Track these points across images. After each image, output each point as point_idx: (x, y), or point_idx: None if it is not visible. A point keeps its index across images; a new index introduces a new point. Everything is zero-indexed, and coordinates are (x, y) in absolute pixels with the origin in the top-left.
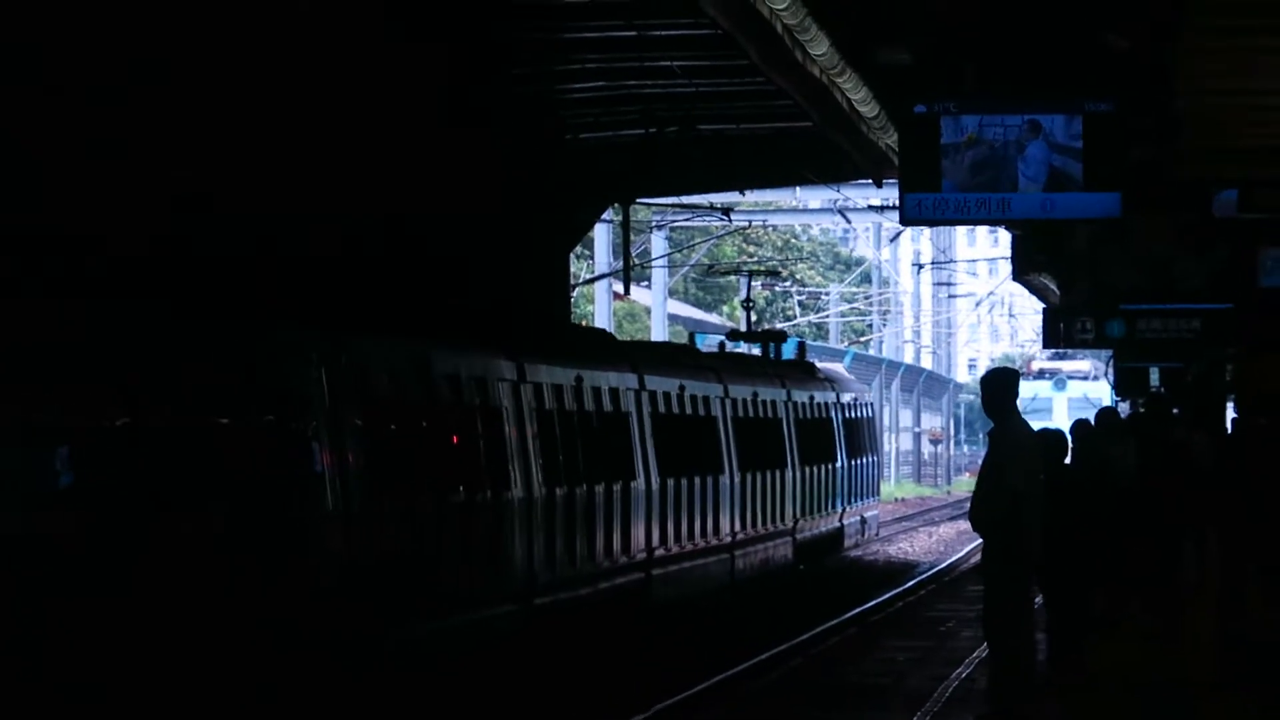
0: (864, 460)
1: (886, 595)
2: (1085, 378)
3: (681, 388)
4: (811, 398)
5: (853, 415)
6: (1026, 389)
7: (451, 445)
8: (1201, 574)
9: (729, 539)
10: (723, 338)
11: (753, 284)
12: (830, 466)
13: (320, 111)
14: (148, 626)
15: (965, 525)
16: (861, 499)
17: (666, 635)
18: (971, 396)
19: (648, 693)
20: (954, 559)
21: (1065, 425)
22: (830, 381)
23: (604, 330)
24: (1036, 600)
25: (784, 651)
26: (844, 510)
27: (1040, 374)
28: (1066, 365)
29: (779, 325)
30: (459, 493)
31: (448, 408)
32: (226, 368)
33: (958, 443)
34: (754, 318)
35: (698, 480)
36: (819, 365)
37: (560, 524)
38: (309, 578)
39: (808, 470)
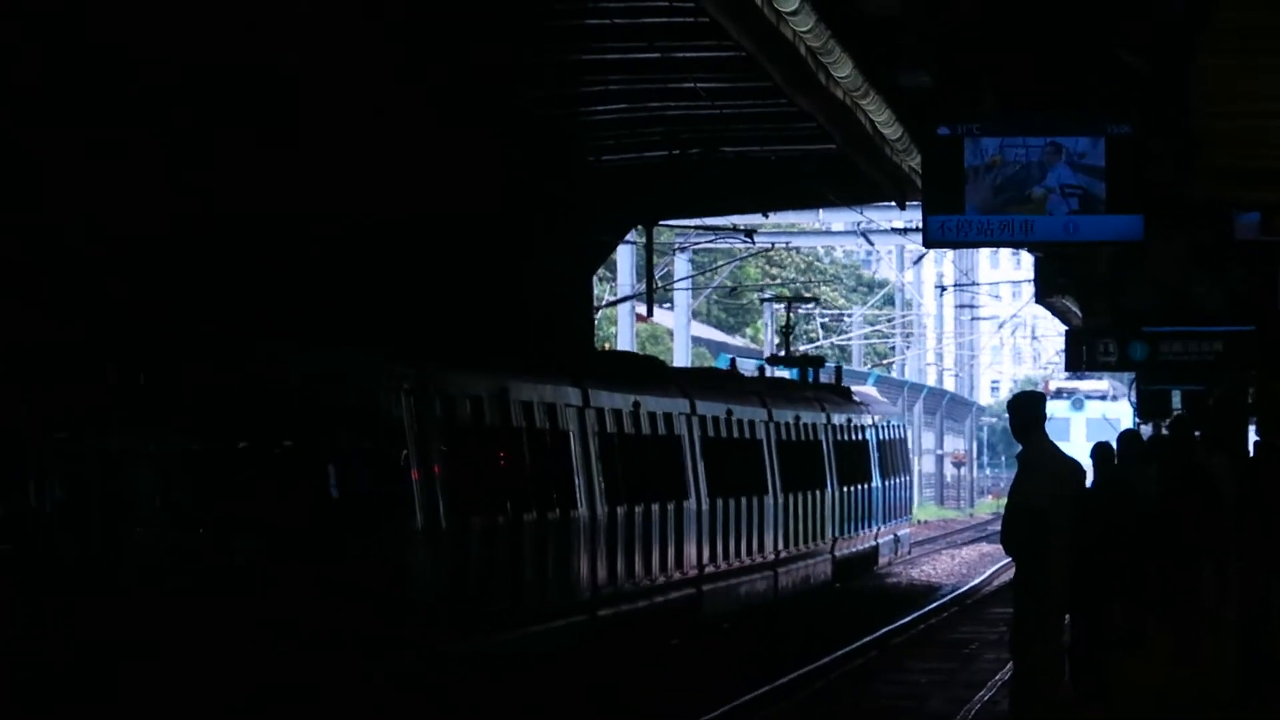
0: (897, 481)
1: (909, 617)
2: (1103, 398)
3: (729, 412)
4: (849, 420)
5: (886, 437)
6: None
7: (527, 466)
8: (1221, 595)
9: (773, 557)
10: (762, 362)
11: (777, 307)
12: (866, 487)
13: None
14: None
15: (988, 548)
16: (895, 518)
17: (715, 647)
18: (994, 419)
19: (697, 702)
20: (977, 581)
21: (1083, 445)
22: (865, 404)
23: (656, 358)
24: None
25: (806, 674)
26: (879, 529)
27: (1058, 394)
28: (1084, 385)
29: (802, 347)
30: (535, 511)
31: (523, 432)
32: (358, 399)
33: (980, 465)
34: (775, 340)
35: (744, 501)
36: (854, 389)
37: (621, 541)
38: (420, 588)
39: (845, 490)
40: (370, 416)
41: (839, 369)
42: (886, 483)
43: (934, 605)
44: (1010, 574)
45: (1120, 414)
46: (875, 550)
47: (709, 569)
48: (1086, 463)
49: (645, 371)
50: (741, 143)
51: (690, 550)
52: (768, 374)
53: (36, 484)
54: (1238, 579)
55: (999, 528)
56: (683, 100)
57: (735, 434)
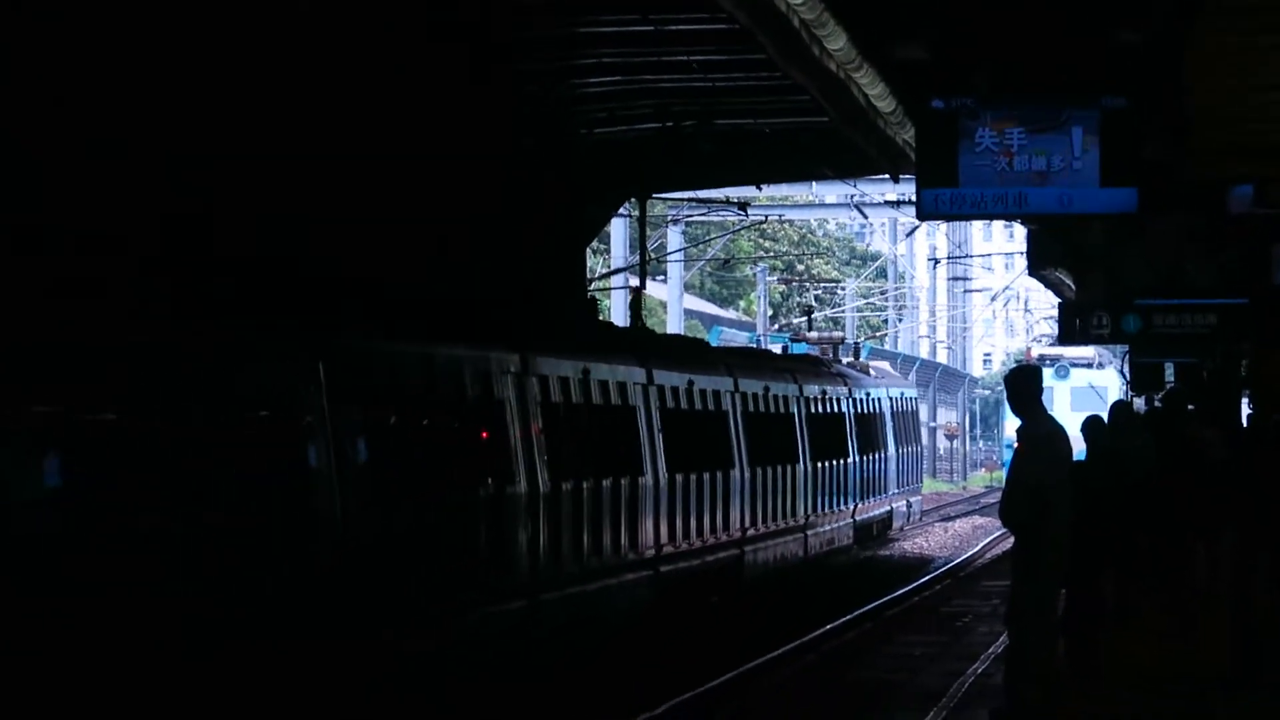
0: (910, 450)
1: (902, 590)
2: (1089, 365)
3: (766, 388)
4: (867, 394)
5: (900, 409)
6: None
7: (606, 438)
8: (1213, 570)
9: (803, 520)
10: (787, 339)
11: (769, 279)
12: (883, 456)
13: (338, 109)
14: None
15: (981, 520)
16: (908, 486)
17: (757, 603)
18: (987, 392)
19: (743, 652)
20: (970, 554)
21: (1068, 414)
22: (882, 379)
23: (704, 340)
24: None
25: (797, 648)
26: (894, 496)
27: (1040, 361)
28: (1069, 351)
29: (795, 320)
30: (611, 477)
31: (601, 408)
32: (472, 386)
33: (973, 438)
34: (770, 312)
35: (780, 469)
36: (871, 364)
37: (679, 505)
38: (527, 540)
39: (865, 459)
40: (491, 398)
41: (857, 346)
42: (900, 452)
43: (927, 578)
44: (1004, 547)
45: (1107, 382)
46: (890, 515)
47: (750, 532)
48: (1074, 434)
49: (693, 351)
50: (735, 115)
51: (735, 514)
52: (790, 350)
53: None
54: (1229, 554)
55: (992, 501)
56: (676, 73)
57: (771, 409)
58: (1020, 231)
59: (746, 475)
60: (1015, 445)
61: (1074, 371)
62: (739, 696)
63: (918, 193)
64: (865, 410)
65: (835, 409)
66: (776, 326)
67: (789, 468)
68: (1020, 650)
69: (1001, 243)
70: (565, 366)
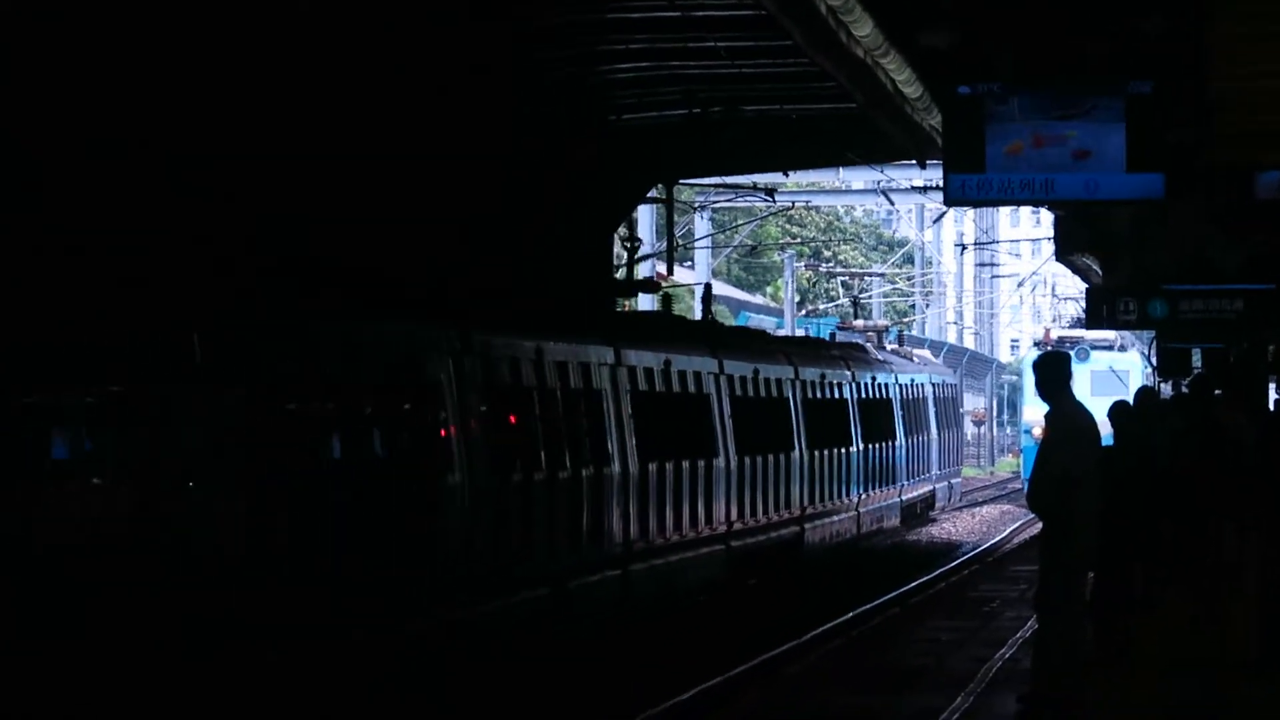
0: (951, 434)
1: (929, 575)
2: (1110, 348)
3: (822, 375)
4: (912, 380)
5: (941, 395)
6: None
7: (684, 422)
8: (1241, 556)
9: (856, 499)
10: (835, 328)
11: (796, 265)
12: (926, 439)
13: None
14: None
15: (1009, 506)
16: (949, 468)
17: (815, 574)
18: (1014, 377)
19: (805, 623)
20: (997, 539)
21: (1088, 399)
22: (925, 365)
23: (764, 331)
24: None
25: (824, 633)
26: (935, 477)
27: (1060, 343)
28: (1090, 334)
29: (822, 306)
30: (689, 458)
31: (680, 395)
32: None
33: (1000, 424)
34: (797, 299)
35: (834, 452)
36: (914, 352)
37: (748, 485)
38: (620, 516)
39: (910, 442)
40: (590, 387)
41: (901, 334)
42: (942, 436)
43: (955, 563)
44: (1031, 533)
45: (1129, 365)
46: (933, 495)
47: (809, 510)
48: (1096, 419)
49: (757, 342)
50: (762, 102)
51: (795, 494)
52: (838, 338)
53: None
54: (1258, 541)
55: (1019, 487)
56: (703, 59)
57: (827, 394)
58: (1047, 217)
59: (805, 457)
60: (1043, 431)
61: (1094, 354)
62: (768, 679)
63: (944, 178)
64: (910, 395)
65: (884, 394)
66: (804, 312)
67: (844, 450)
68: (1048, 635)
69: (1028, 228)
70: (649, 358)
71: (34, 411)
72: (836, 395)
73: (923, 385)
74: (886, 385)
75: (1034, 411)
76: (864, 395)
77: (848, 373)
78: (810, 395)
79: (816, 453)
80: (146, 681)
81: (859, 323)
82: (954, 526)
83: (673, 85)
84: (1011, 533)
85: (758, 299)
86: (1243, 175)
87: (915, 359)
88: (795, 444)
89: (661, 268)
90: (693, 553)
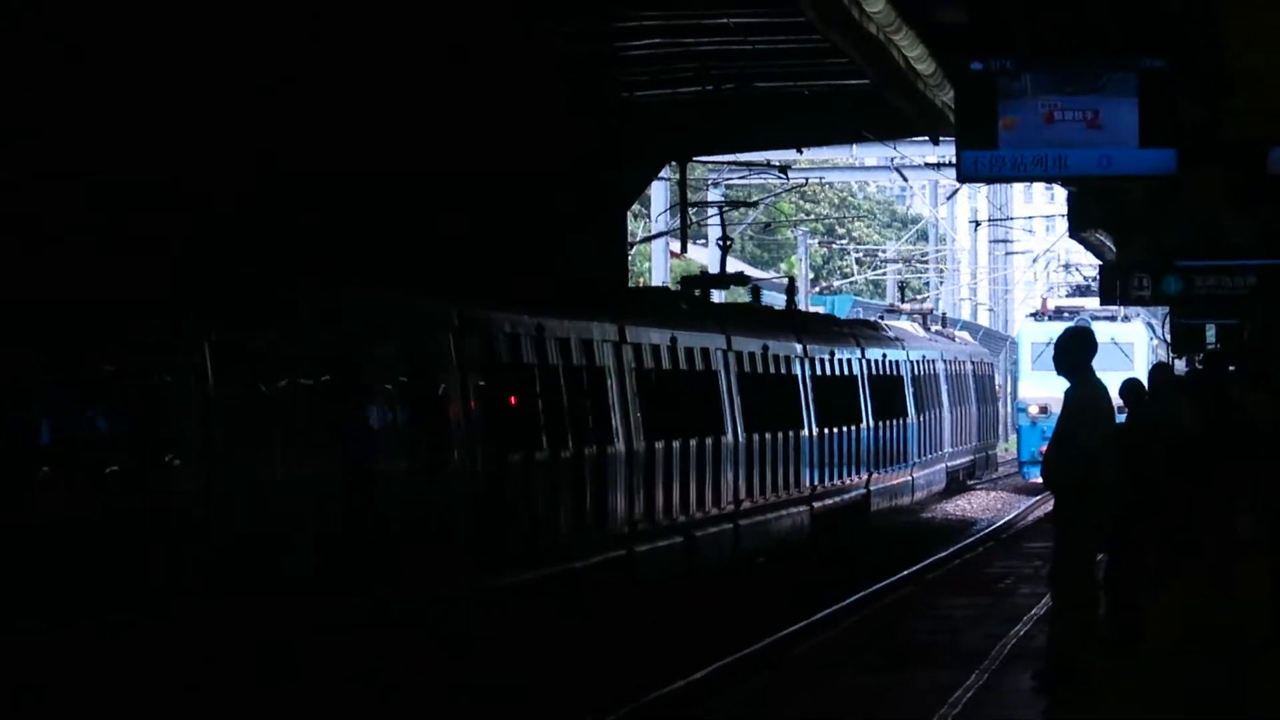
0: (990, 408)
1: (944, 553)
2: (1112, 318)
3: (884, 355)
4: (955, 357)
5: (980, 371)
6: (1040, 332)
7: (774, 397)
8: (1257, 533)
9: (910, 466)
10: (883, 311)
11: (810, 241)
12: (968, 410)
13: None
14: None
15: (1024, 483)
16: (989, 438)
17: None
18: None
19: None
20: (1012, 516)
21: None
22: (966, 345)
23: (832, 316)
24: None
25: (839, 610)
26: (975, 447)
27: (1058, 313)
28: (1089, 303)
29: (836, 283)
30: (780, 430)
31: (774, 375)
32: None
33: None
34: (811, 275)
35: (894, 423)
36: (954, 333)
37: (826, 454)
38: (733, 479)
39: (954, 414)
40: (706, 367)
41: (944, 316)
42: (982, 409)
43: (969, 540)
44: (1045, 510)
45: (1133, 338)
46: (974, 464)
47: (874, 475)
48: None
49: (825, 325)
50: (775, 78)
51: (864, 461)
52: (886, 320)
53: None
54: (1272, 516)
55: (1014, 471)
56: (716, 36)
57: (887, 371)
58: (1061, 194)
59: (871, 427)
60: (1062, 406)
61: (1095, 325)
62: (781, 657)
63: (957, 155)
64: (954, 371)
65: (933, 370)
66: (817, 289)
67: (901, 421)
68: (1063, 612)
69: (1042, 205)
70: (752, 343)
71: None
72: (894, 372)
73: (964, 362)
74: (934, 361)
75: (1030, 388)
76: (916, 372)
77: (903, 352)
78: (874, 372)
79: (880, 424)
80: None
81: (906, 306)
82: (969, 504)
83: (686, 62)
84: (1027, 509)
85: (772, 275)
86: (1255, 151)
87: (958, 338)
88: (863, 417)
89: (675, 245)
90: (785, 511)
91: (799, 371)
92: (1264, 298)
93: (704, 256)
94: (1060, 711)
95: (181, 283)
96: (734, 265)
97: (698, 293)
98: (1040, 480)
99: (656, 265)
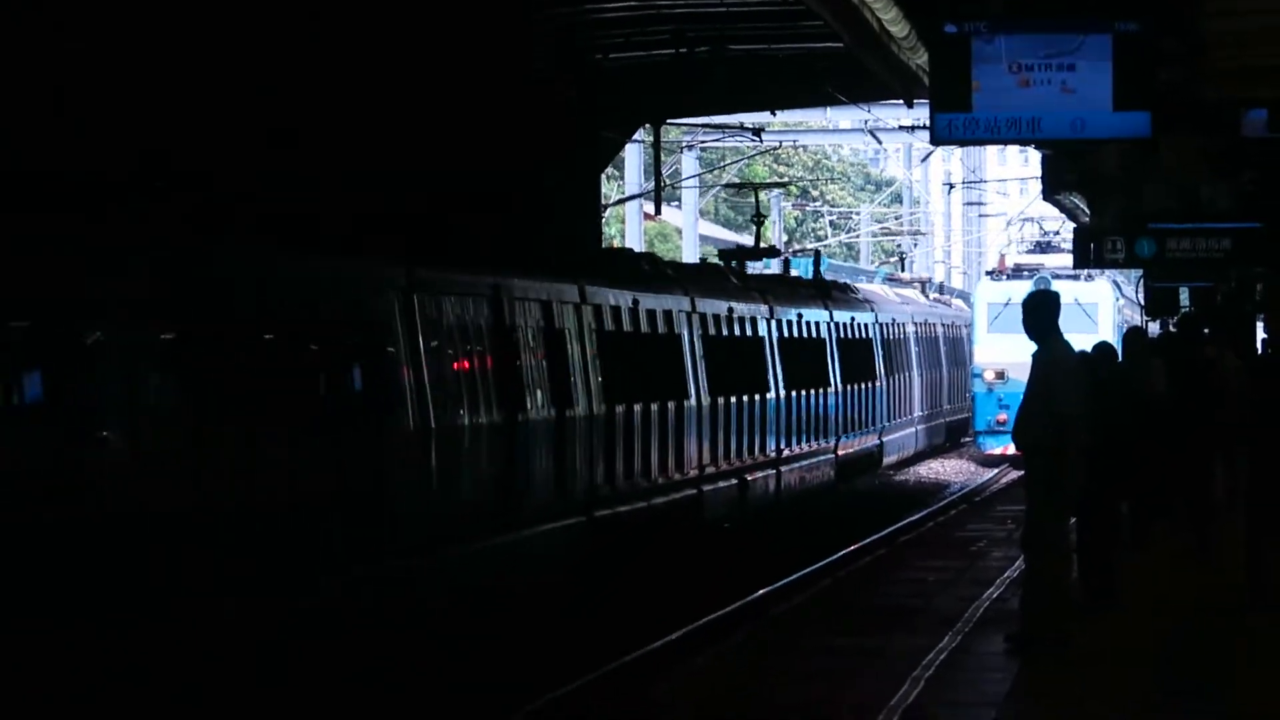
0: (964, 371)
1: (917, 516)
2: (1075, 277)
3: (893, 319)
4: (952, 322)
5: (953, 335)
6: (998, 292)
7: (800, 358)
8: (1230, 495)
9: (916, 418)
10: (885, 280)
11: (784, 204)
12: (961, 371)
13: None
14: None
15: (980, 454)
16: (961, 401)
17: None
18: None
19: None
20: (984, 479)
21: None
22: (961, 312)
23: (850, 284)
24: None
25: (812, 573)
26: (949, 409)
27: (1017, 271)
28: (1051, 260)
29: (809, 245)
30: (807, 388)
31: (798, 338)
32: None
33: None
34: (785, 238)
35: (902, 378)
36: (934, 296)
37: (848, 408)
38: (777, 431)
39: (950, 374)
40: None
41: (942, 285)
42: (954, 373)
43: (942, 503)
44: (1018, 473)
45: (1097, 298)
46: (965, 422)
47: (886, 426)
48: None
49: (847, 293)
50: (749, 41)
51: (878, 414)
52: (889, 287)
53: None
54: (1245, 480)
55: (968, 442)
56: None
57: (897, 335)
58: (1035, 156)
59: (884, 384)
60: (1031, 369)
61: (1057, 284)
62: (756, 620)
63: (931, 118)
64: (951, 335)
65: (934, 333)
66: (792, 251)
67: (909, 376)
68: (1036, 575)
69: (1016, 167)
70: (792, 313)
71: None
72: (902, 335)
73: (960, 326)
74: (934, 324)
75: (986, 352)
76: (919, 334)
77: (909, 316)
78: (886, 336)
79: (890, 379)
80: None
81: (905, 274)
82: (942, 467)
83: (660, 24)
84: (999, 473)
85: (745, 238)
86: (1230, 113)
87: (954, 304)
88: (876, 374)
89: (649, 207)
90: (815, 459)
91: (826, 336)
92: (1238, 261)
93: (677, 219)
94: (1033, 673)
95: None
96: (706, 228)
97: (734, 264)
98: (995, 453)
99: (630, 228)
